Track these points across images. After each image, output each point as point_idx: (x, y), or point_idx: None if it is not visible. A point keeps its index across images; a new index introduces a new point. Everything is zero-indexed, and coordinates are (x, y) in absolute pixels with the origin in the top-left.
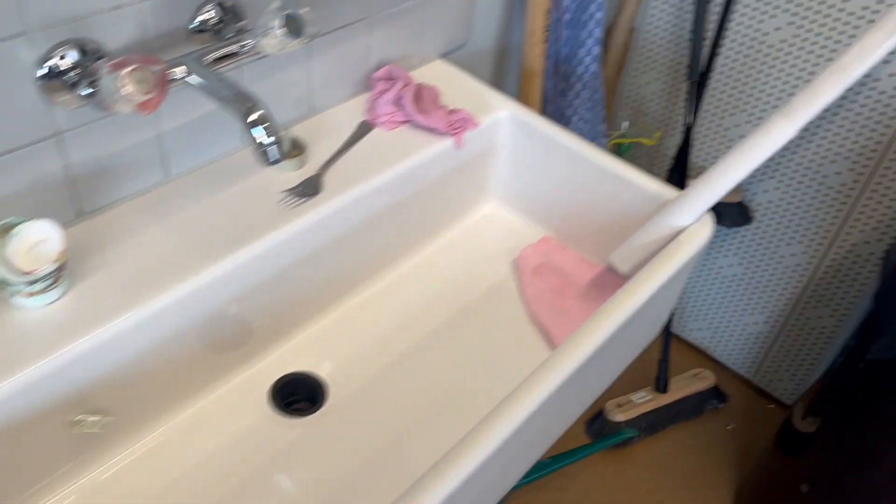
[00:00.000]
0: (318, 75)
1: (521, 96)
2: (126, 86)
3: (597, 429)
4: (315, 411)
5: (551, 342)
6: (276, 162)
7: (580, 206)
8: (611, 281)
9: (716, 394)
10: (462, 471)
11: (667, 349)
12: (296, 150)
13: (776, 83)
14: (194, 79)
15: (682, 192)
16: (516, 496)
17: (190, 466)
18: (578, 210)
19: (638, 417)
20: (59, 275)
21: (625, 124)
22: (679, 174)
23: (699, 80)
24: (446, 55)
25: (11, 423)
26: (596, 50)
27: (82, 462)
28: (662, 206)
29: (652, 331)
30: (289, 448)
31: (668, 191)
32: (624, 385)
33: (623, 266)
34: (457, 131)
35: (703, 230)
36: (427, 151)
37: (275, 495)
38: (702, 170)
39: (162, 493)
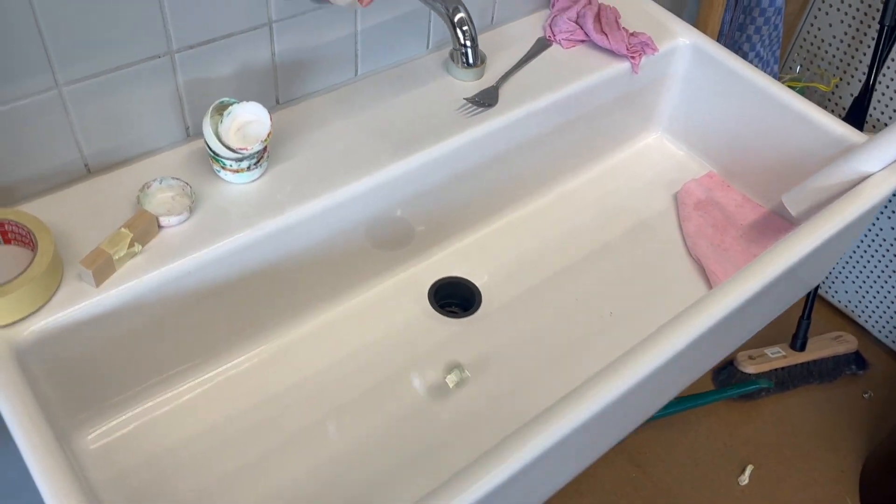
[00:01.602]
0: None
1: (699, 24)
2: None
3: (724, 378)
4: (468, 315)
5: (708, 279)
6: (472, 65)
7: (751, 143)
8: (775, 224)
9: (856, 359)
10: (605, 395)
11: (811, 306)
12: None
13: None
14: None
15: (874, 137)
16: (635, 433)
17: (350, 350)
18: (749, 147)
19: (769, 372)
20: (261, 156)
21: (798, 67)
22: (853, 126)
23: (893, 24)
24: None
25: (204, 287)
26: None
27: (256, 333)
28: (847, 151)
29: (808, 283)
30: (441, 345)
31: (855, 135)
32: (757, 338)
33: (795, 209)
34: (635, 55)
35: (891, 179)
36: (602, 73)
37: (422, 389)
38: (878, 124)
39: (322, 371)
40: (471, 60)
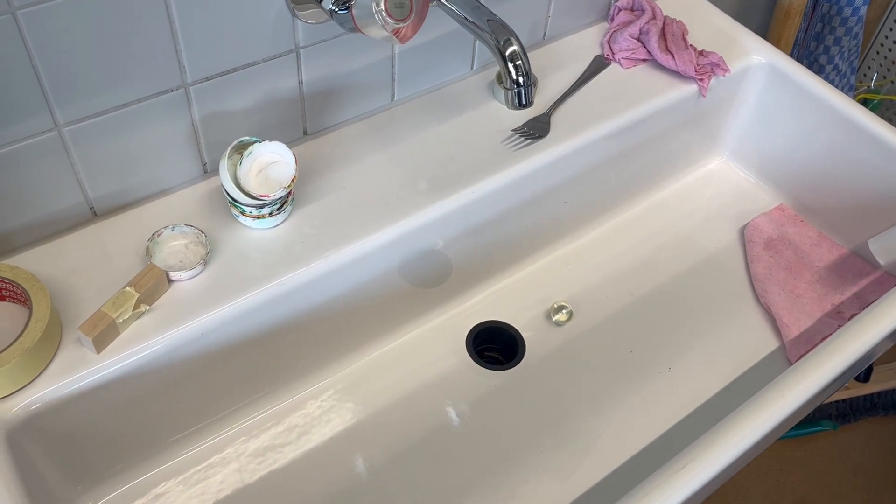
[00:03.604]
0: None
1: (771, 37)
2: (382, 9)
3: None
4: (512, 366)
5: (779, 330)
6: (526, 106)
7: (829, 173)
8: (856, 267)
9: None
10: (682, 489)
11: None
12: None
13: None
14: (450, 2)
15: None
16: None
17: (381, 403)
18: (826, 178)
19: (829, 404)
20: (285, 200)
21: (874, 76)
22: None
23: None
24: None
25: (219, 347)
26: None
27: (279, 388)
28: None
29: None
30: (481, 398)
31: None
32: None
33: (884, 258)
34: (704, 77)
35: None
36: (666, 97)
37: (457, 441)
38: None
39: (347, 431)
40: (524, 101)
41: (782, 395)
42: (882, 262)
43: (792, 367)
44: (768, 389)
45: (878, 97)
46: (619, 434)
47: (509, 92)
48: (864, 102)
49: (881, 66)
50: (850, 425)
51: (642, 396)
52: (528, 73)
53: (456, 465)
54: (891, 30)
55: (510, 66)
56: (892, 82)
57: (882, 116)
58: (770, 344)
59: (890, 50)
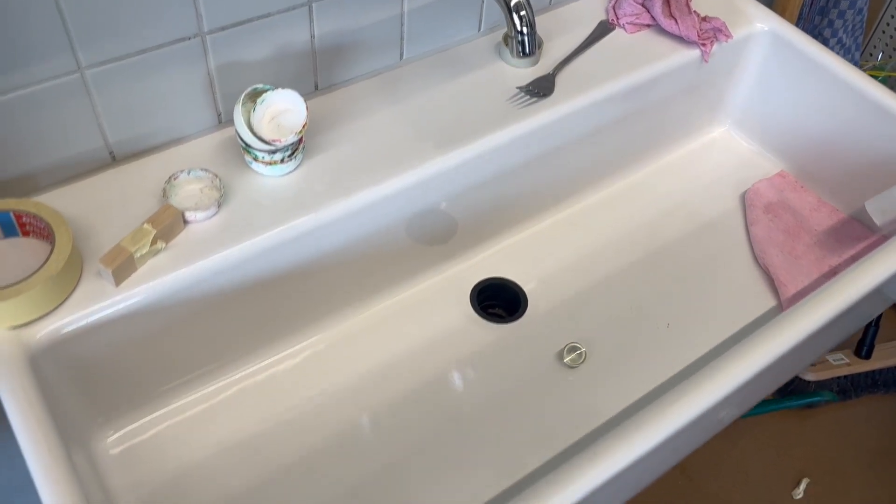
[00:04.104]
0: None
1: (776, 7)
2: None
3: (782, 385)
4: (513, 320)
5: (777, 290)
6: (528, 54)
7: (830, 140)
8: (854, 232)
9: None
10: (670, 424)
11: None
12: None
13: None
14: None
15: None
16: None
17: (385, 355)
18: (827, 145)
19: (830, 380)
20: (297, 147)
21: (880, 55)
22: None
23: None
24: None
25: (232, 287)
26: None
27: (289, 334)
28: None
29: (891, 299)
30: (483, 351)
31: None
32: None
33: (880, 218)
34: (706, 42)
35: None
36: (669, 61)
37: (460, 395)
38: None
39: (355, 375)
40: (527, 50)
41: (768, 342)
42: (878, 222)
43: (781, 314)
44: (755, 335)
45: (883, 73)
46: (617, 385)
47: (513, 40)
48: None
49: (887, 45)
50: (852, 402)
51: (640, 350)
52: (531, 24)
53: (457, 414)
54: None
55: (514, 15)
56: (893, 58)
57: None
58: (768, 302)
59: None
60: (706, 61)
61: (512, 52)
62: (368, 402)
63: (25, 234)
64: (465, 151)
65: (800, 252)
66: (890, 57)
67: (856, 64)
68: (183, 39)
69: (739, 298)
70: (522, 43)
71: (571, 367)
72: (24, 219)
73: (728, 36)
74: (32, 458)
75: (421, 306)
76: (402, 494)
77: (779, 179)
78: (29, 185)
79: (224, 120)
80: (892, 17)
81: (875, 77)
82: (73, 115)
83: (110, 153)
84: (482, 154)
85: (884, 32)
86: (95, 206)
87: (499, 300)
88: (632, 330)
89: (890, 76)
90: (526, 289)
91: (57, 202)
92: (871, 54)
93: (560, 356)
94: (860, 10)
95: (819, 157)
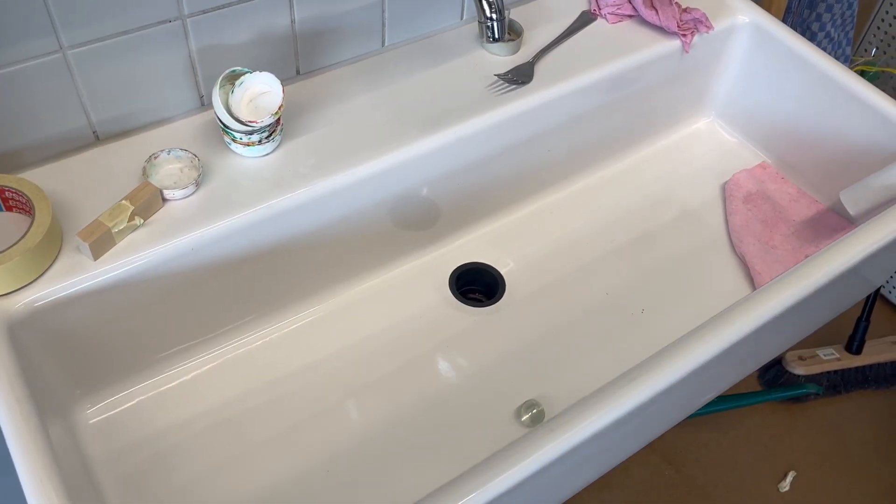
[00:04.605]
0: None
1: (764, 2)
2: None
3: (771, 378)
4: (491, 304)
5: (752, 279)
6: (497, 39)
7: (811, 132)
8: (831, 222)
9: None
10: (632, 398)
11: (870, 307)
12: (511, 33)
13: None
14: None
15: None
16: (671, 429)
17: (364, 335)
18: (808, 137)
19: (820, 375)
20: (274, 129)
21: (874, 50)
22: None
23: None
24: None
25: (209, 264)
26: None
27: (268, 313)
28: None
29: (869, 285)
30: (460, 334)
31: None
32: (810, 338)
33: (853, 207)
34: (686, 33)
35: None
36: (649, 51)
37: (437, 377)
38: None
39: (334, 354)
40: (496, 35)
41: (739, 315)
42: (852, 213)
43: (751, 293)
44: (729, 310)
45: (875, 69)
46: (590, 368)
47: (482, 25)
48: (862, 74)
49: (882, 41)
50: (842, 396)
51: (615, 335)
52: (500, 10)
53: (434, 393)
54: (892, 5)
55: (483, 2)
56: (889, 55)
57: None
58: (742, 290)
59: (890, 25)
60: (687, 52)
61: (482, 37)
62: (347, 380)
63: (9, 208)
64: (442, 136)
65: (776, 242)
66: (884, 52)
67: (846, 58)
68: (164, 22)
69: (716, 286)
70: (491, 28)
71: (547, 352)
72: (6, 193)
73: (709, 27)
74: (7, 425)
75: (401, 289)
76: (377, 468)
77: (759, 171)
78: (14, 161)
79: (206, 102)
80: (887, 12)
81: (866, 72)
82: (56, 94)
83: (94, 132)
84: (460, 139)
85: (878, 28)
86: (78, 183)
87: (478, 285)
88: (607, 315)
89: (882, 72)
90: (504, 273)
91: (41, 179)
92: (865, 50)
93: (537, 341)
94: (850, 5)
95: (801, 149)
